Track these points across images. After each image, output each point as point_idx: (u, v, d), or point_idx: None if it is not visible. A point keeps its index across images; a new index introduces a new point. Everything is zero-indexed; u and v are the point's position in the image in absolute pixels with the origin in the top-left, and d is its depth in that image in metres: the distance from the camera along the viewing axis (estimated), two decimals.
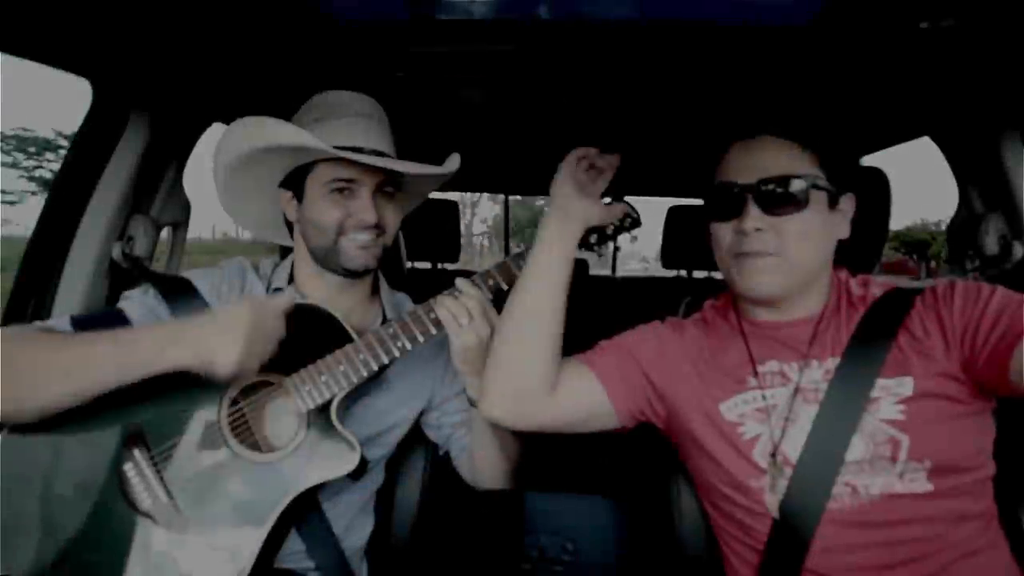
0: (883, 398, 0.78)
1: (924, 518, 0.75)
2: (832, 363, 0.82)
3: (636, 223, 0.97)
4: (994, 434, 0.81)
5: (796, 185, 0.82)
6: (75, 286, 1.15)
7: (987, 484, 0.80)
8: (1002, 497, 0.81)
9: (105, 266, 1.19)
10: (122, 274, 1.21)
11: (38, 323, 0.88)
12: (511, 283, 0.93)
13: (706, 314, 1.00)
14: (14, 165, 20.12)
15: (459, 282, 0.93)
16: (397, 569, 1.14)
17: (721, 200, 0.86)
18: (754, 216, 0.82)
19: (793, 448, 0.81)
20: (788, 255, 0.82)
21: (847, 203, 0.88)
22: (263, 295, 0.99)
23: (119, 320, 0.90)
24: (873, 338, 0.82)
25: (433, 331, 0.91)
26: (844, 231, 0.88)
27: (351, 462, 0.89)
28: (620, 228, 0.96)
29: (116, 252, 1.19)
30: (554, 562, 1.77)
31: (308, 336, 0.88)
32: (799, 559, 0.77)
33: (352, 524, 1.02)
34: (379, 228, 0.96)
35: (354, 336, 0.91)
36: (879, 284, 0.89)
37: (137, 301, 0.93)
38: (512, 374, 0.88)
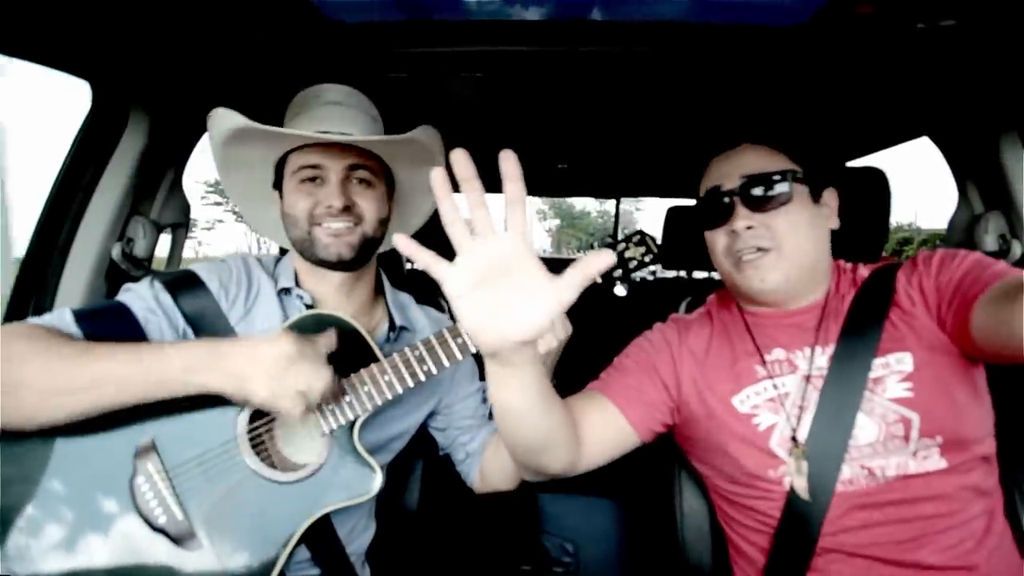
0: (887, 377, 0.80)
1: (939, 495, 0.76)
2: (833, 348, 0.85)
3: (656, 259, 0.97)
4: (990, 409, 0.82)
5: (778, 180, 0.85)
6: (75, 287, 1.15)
7: (992, 460, 0.82)
8: (1004, 478, 0.83)
9: (105, 267, 1.19)
10: (122, 275, 1.21)
11: (35, 320, 0.82)
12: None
13: (710, 308, 1.02)
14: (216, 204, 33.46)
15: None
16: (398, 572, 1.14)
17: (710, 207, 0.90)
18: (743, 215, 0.85)
19: (803, 433, 0.83)
20: (783, 249, 0.85)
21: (830, 197, 0.92)
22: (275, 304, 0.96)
23: (123, 315, 0.86)
24: (866, 318, 0.84)
25: (459, 356, 0.87)
26: (834, 222, 0.91)
27: (373, 488, 0.87)
28: (641, 263, 0.96)
29: (116, 253, 1.20)
30: (555, 563, 1.77)
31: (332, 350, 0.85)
32: (812, 540, 0.79)
33: (355, 529, 1.01)
34: (353, 215, 0.93)
35: (380, 356, 0.89)
36: (868, 267, 0.92)
37: (141, 295, 0.89)
38: (537, 470, 0.86)
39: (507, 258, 0.53)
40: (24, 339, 0.75)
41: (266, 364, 0.76)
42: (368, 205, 0.95)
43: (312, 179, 0.93)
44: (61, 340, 0.78)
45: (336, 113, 0.96)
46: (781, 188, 0.85)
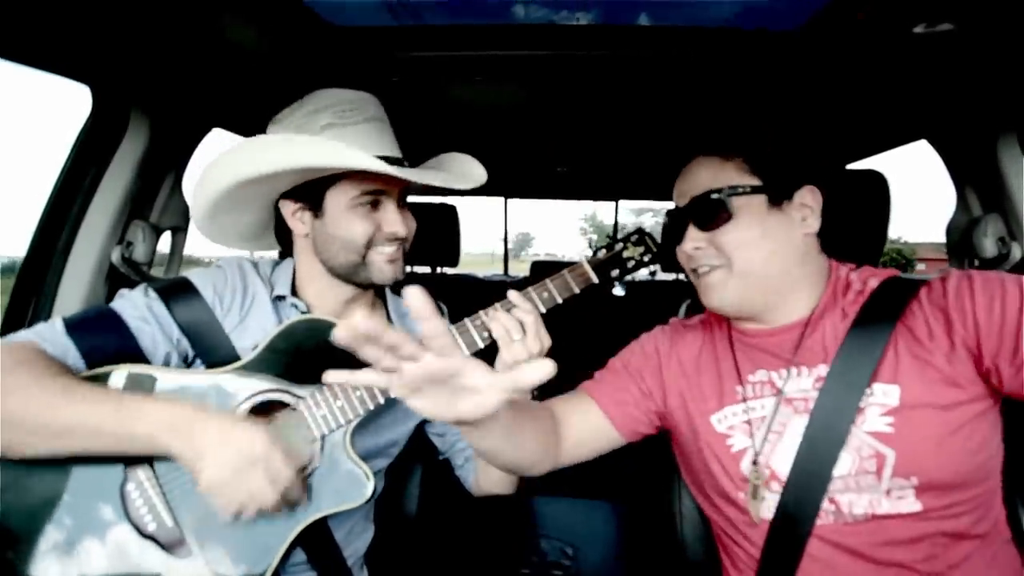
0: (868, 408, 0.74)
1: (911, 539, 0.71)
2: (824, 369, 0.78)
3: (655, 259, 0.96)
4: (1001, 445, 0.75)
5: (715, 199, 0.82)
6: (75, 290, 1.15)
7: (993, 498, 0.75)
8: (1011, 507, 0.79)
9: (105, 270, 1.19)
10: (121, 278, 1.21)
11: (26, 333, 0.82)
12: (568, 296, 0.92)
13: (710, 318, 0.99)
14: None
15: (512, 295, 0.89)
16: (396, 575, 1.14)
17: (669, 227, 0.91)
18: (693, 237, 0.85)
19: (783, 461, 0.78)
20: (734, 266, 0.82)
21: (809, 198, 0.84)
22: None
23: (115, 324, 0.86)
24: (868, 340, 0.76)
25: None
26: (809, 226, 0.84)
27: (364, 494, 0.86)
28: (640, 263, 0.96)
29: (116, 256, 1.20)
30: (554, 566, 1.76)
31: (323, 354, 0.85)
32: (791, 571, 0.76)
33: (352, 532, 1.01)
34: (405, 240, 0.95)
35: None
36: (879, 274, 0.84)
37: (135, 303, 0.88)
38: (517, 476, 0.91)
39: (450, 372, 0.54)
40: (8, 370, 0.74)
41: (228, 452, 0.74)
42: (412, 226, 0.96)
43: (371, 203, 0.91)
44: (47, 373, 0.76)
45: (387, 133, 0.94)
46: (719, 206, 0.82)
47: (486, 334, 0.88)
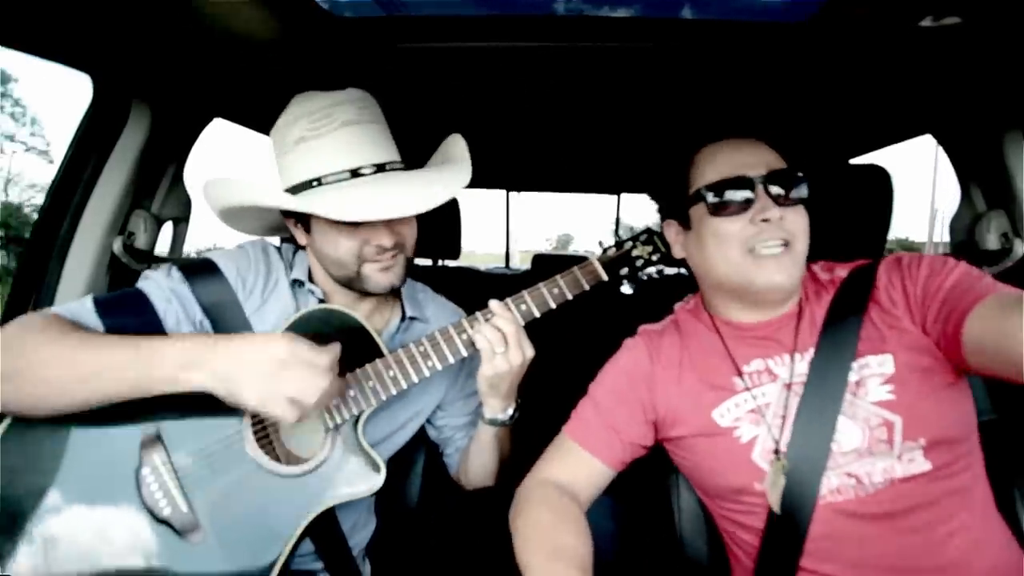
0: (868, 379, 0.78)
1: (930, 500, 0.75)
2: (812, 353, 0.83)
3: (664, 259, 0.96)
4: (972, 405, 0.81)
5: (800, 180, 0.84)
6: (76, 280, 1.15)
7: (978, 456, 0.81)
8: (996, 481, 0.82)
9: (106, 260, 1.19)
10: (123, 269, 1.22)
11: (56, 309, 0.83)
12: (543, 309, 0.90)
13: (679, 318, 0.99)
14: None
15: (493, 305, 0.89)
16: (399, 567, 1.14)
17: (732, 194, 0.84)
18: (770, 206, 0.81)
19: (785, 443, 0.81)
20: (796, 248, 0.82)
21: None
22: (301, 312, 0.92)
23: (142, 304, 0.86)
24: (844, 320, 0.82)
25: (464, 353, 0.88)
26: None
27: (376, 482, 0.87)
28: (648, 262, 0.96)
29: (117, 247, 1.20)
30: None
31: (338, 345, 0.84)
32: (796, 550, 0.78)
33: (356, 524, 1.01)
34: (398, 246, 0.91)
35: (385, 352, 0.88)
36: (844, 266, 0.90)
37: (159, 283, 0.88)
38: None
39: None
40: (38, 330, 0.77)
41: (255, 367, 0.74)
42: (409, 231, 0.94)
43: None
44: (70, 329, 0.78)
45: (367, 137, 0.89)
46: (801, 185, 0.83)
47: (472, 346, 0.88)
